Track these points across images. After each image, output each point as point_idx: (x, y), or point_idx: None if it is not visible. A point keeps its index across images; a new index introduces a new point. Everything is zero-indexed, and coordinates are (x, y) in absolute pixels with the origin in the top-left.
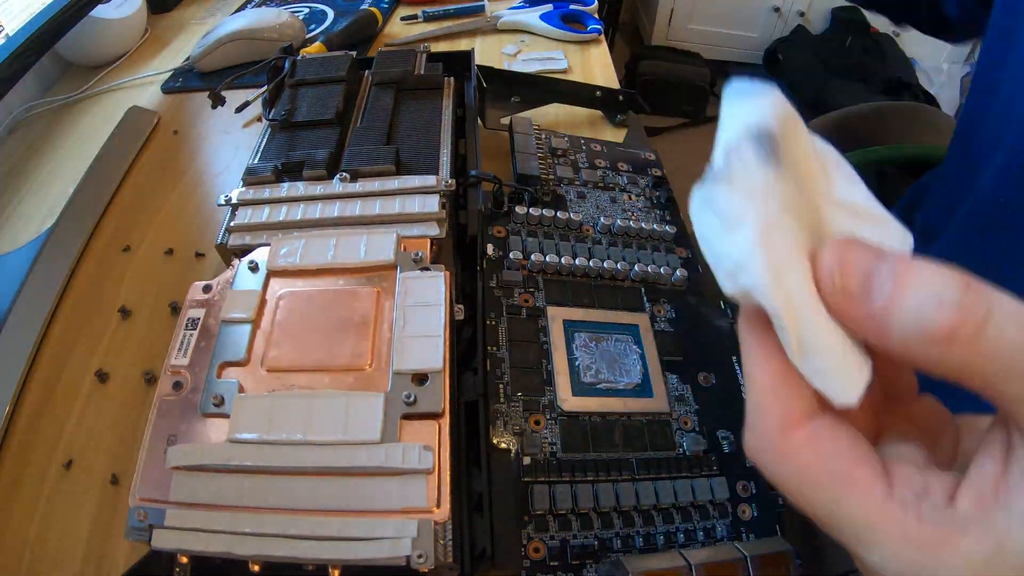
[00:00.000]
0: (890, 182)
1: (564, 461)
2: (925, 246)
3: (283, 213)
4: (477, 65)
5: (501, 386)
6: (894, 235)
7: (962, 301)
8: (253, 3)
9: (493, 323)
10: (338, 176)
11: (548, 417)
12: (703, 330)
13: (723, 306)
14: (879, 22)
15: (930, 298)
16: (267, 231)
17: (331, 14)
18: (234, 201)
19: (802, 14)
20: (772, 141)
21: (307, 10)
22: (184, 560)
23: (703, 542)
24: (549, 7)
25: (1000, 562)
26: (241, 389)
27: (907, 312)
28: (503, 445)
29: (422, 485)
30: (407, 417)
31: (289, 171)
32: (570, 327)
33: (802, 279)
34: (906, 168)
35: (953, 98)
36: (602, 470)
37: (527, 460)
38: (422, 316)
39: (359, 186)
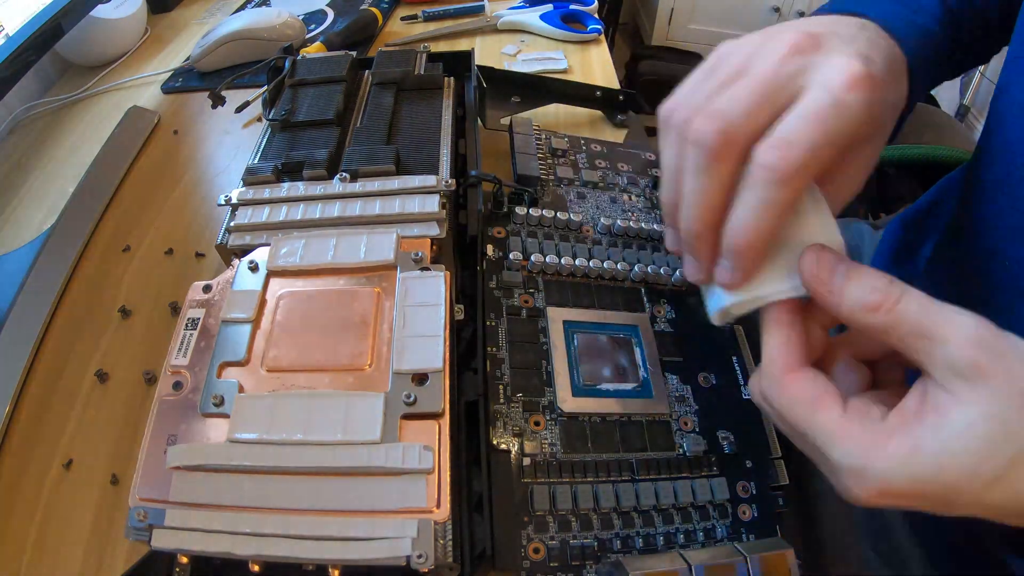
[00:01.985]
0: (891, 182)
1: (564, 462)
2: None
3: (283, 213)
4: (477, 65)
5: (501, 387)
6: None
7: (887, 289)
8: (253, 3)
9: (493, 324)
10: (338, 176)
11: (548, 418)
12: (703, 331)
13: None
14: None
15: (867, 286)
16: (267, 231)
17: (331, 14)
18: (234, 201)
19: (802, 14)
20: None
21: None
22: (184, 560)
23: (703, 543)
24: (549, 7)
25: (914, 460)
26: (241, 389)
27: (853, 292)
28: (503, 446)
29: (422, 485)
30: (407, 417)
31: (289, 171)
32: (570, 328)
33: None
34: (907, 168)
35: (953, 98)
36: (602, 471)
37: (527, 461)
38: (422, 316)
39: (359, 186)
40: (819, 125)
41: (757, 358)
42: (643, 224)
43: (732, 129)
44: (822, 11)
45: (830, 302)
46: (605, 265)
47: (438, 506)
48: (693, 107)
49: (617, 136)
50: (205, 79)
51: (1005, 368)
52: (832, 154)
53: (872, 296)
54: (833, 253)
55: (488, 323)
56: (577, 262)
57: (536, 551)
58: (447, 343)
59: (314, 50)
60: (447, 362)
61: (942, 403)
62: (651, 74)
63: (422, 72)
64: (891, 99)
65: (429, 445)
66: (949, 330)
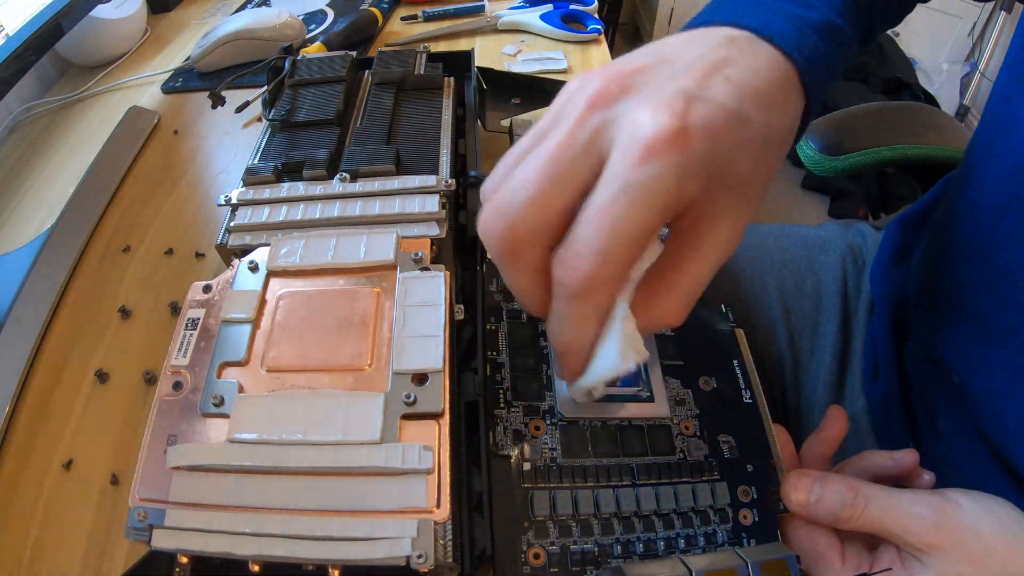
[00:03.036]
0: (891, 182)
1: (564, 467)
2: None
3: (283, 213)
4: (477, 67)
5: (501, 391)
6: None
7: (853, 501)
8: (253, 3)
9: (493, 328)
10: (338, 176)
11: (548, 423)
12: (704, 334)
13: (724, 310)
14: None
15: (836, 501)
16: (267, 231)
17: (331, 14)
18: (234, 201)
19: None
20: None
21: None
22: (184, 560)
23: (704, 548)
24: (549, 7)
25: None
26: (241, 389)
27: (826, 505)
28: (503, 451)
29: (422, 485)
30: (407, 417)
31: (289, 171)
32: None
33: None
34: (907, 168)
35: (953, 98)
36: (602, 475)
37: (527, 466)
38: (422, 316)
39: (359, 186)
40: (611, 223)
41: (758, 360)
42: None
43: (517, 228)
44: (692, 23)
45: (810, 511)
46: None
47: (438, 506)
48: (490, 190)
49: None
50: (205, 79)
51: (953, 540)
52: (645, 237)
53: (843, 511)
54: (806, 476)
55: (488, 327)
56: None
57: (536, 556)
58: (447, 343)
59: (314, 50)
60: (447, 362)
61: (914, 569)
62: None
63: (422, 72)
64: (770, 121)
65: (429, 445)
66: (908, 524)
